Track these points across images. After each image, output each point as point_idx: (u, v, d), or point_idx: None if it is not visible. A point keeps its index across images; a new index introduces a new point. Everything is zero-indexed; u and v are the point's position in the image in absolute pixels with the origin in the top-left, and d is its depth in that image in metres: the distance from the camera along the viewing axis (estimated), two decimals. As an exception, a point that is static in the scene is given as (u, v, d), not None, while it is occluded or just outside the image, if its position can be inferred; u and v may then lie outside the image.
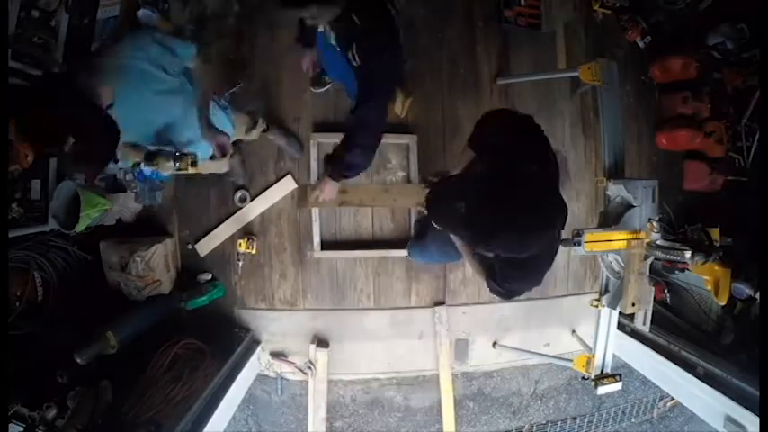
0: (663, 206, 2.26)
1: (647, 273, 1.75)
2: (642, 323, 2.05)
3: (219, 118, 1.52)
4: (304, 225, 2.27)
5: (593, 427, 2.73)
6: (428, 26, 2.34)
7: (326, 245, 2.25)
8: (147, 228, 2.18)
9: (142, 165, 1.31)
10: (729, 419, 1.67)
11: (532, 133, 1.07)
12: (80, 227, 1.88)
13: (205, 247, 2.22)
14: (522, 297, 1.27)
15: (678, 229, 2.15)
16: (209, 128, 1.38)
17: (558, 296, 2.46)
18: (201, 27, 2.18)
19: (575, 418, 2.70)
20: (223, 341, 2.10)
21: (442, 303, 2.37)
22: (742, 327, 2.01)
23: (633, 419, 2.82)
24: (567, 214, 0.84)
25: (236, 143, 1.92)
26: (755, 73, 2.18)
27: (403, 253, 2.24)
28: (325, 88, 2.24)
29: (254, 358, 2.19)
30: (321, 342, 2.31)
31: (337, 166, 1.49)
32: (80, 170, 1.35)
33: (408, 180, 2.29)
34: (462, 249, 1.26)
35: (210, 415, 1.71)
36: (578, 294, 2.45)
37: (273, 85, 2.25)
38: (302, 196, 2.18)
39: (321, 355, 2.27)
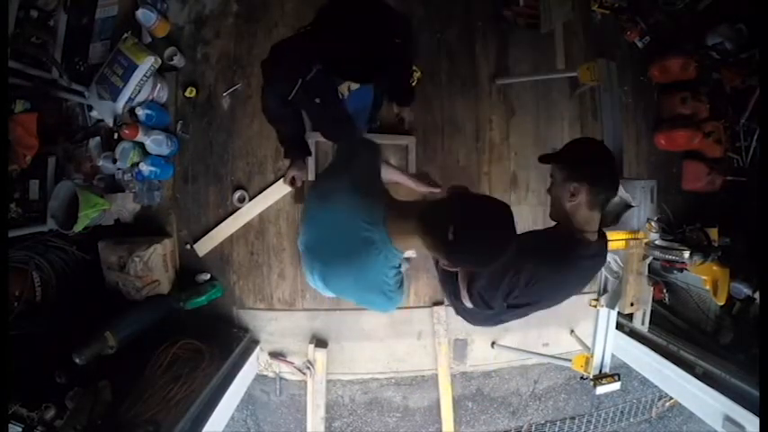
0: (661, 206, 2.26)
1: (646, 273, 1.76)
2: (641, 323, 2.06)
3: None
4: (303, 225, 2.26)
5: (591, 426, 2.73)
6: (427, 26, 2.33)
7: (325, 245, 2.24)
8: (145, 228, 2.17)
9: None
10: (728, 419, 1.68)
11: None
12: (79, 227, 1.88)
13: (204, 247, 2.22)
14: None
15: (677, 229, 2.16)
16: None
17: (556, 296, 2.46)
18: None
19: (573, 418, 2.70)
20: (222, 341, 2.09)
21: (440, 303, 2.36)
22: (741, 326, 2.01)
23: (632, 419, 2.82)
24: None
25: None
26: (754, 73, 2.18)
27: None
28: None
29: (252, 358, 2.18)
30: (320, 342, 2.31)
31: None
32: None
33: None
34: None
35: (209, 415, 1.71)
36: (577, 294, 2.45)
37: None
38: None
39: (320, 355, 2.27)
